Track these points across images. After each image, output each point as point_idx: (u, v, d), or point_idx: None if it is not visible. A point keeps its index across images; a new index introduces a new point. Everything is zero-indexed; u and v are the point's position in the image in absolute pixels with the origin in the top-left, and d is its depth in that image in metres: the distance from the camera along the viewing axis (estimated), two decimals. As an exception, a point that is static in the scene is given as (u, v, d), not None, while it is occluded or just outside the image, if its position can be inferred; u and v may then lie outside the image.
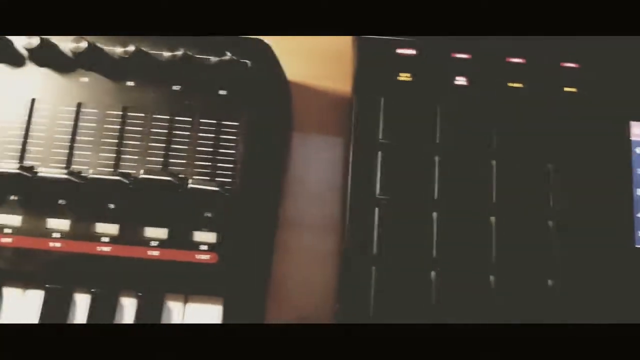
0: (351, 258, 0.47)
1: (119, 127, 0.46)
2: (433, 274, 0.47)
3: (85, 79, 0.47)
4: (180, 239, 0.45)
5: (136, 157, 0.46)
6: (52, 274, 0.45)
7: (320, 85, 0.57)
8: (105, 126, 0.46)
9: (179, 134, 0.47)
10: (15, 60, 0.47)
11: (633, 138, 0.50)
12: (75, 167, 0.45)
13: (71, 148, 0.46)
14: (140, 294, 0.45)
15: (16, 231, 0.44)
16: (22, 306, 0.44)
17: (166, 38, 0.48)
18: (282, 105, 0.53)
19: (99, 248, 0.44)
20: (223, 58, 0.47)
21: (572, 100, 0.51)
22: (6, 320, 0.44)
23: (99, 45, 0.47)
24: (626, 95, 0.51)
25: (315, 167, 0.55)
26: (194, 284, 0.45)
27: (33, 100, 0.47)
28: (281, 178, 0.54)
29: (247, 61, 0.48)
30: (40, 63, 0.47)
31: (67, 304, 0.44)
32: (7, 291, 0.45)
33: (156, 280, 0.45)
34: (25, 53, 0.47)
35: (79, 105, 0.47)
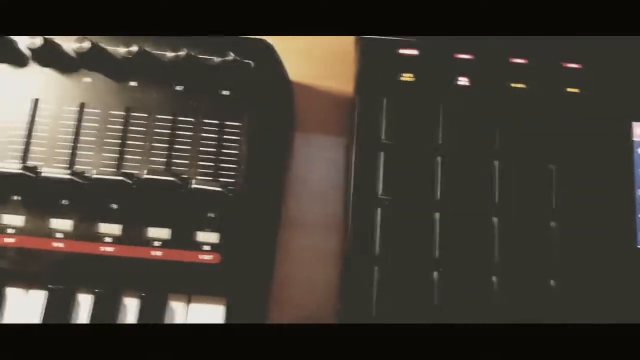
0: (353, 258, 0.47)
1: (121, 127, 0.46)
2: (435, 274, 0.47)
3: (88, 79, 0.47)
4: (183, 239, 0.45)
5: (139, 158, 0.46)
6: (55, 274, 0.45)
7: (322, 86, 0.57)
8: (108, 126, 0.46)
9: (181, 134, 0.47)
10: (18, 60, 0.47)
11: (635, 139, 0.50)
12: (78, 167, 0.45)
13: (74, 148, 0.46)
14: (143, 294, 0.45)
15: (19, 231, 0.44)
16: (25, 306, 0.45)
17: (169, 38, 0.48)
18: (284, 105, 0.53)
19: (101, 248, 0.44)
20: (226, 58, 0.47)
21: (575, 101, 0.51)
22: (9, 320, 0.44)
23: (102, 45, 0.47)
24: (628, 96, 0.51)
25: (318, 167, 0.55)
26: (196, 284, 0.45)
27: (36, 101, 0.47)
28: (283, 178, 0.54)
29: (249, 61, 0.48)
30: (43, 63, 0.47)
31: (70, 304, 0.44)
32: (10, 291, 0.45)
33: (159, 281, 0.45)
34: (28, 53, 0.47)
35: (82, 106, 0.47)
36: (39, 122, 0.46)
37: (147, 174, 0.44)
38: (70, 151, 0.46)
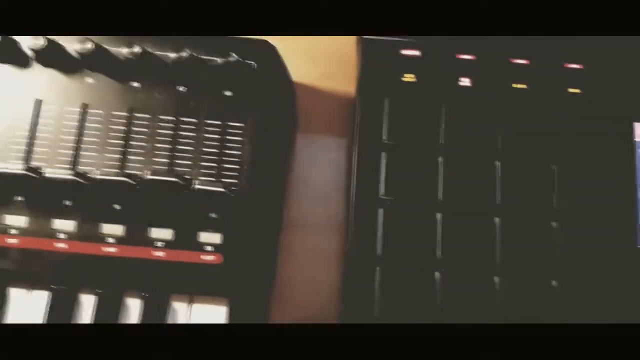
0: (355, 259, 0.47)
1: (124, 128, 0.46)
2: (437, 274, 0.47)
3: (91, 80, 0.47)
4: (185, 240, 0.45)
5: (141, 158, 0.46)
6: (58, 274, 0.45)
7: (324, 86, 0.57)
8: (111, 127, 0.46)
9: (184, 135, 0.47)
10: (21, 61, 0.47)
11: (637, 139, 0.50)
12: (81, 168, 0.45)
13: (77, 149, 0.46)
14: (145, 295, 0.45)
15: (22, 232, 0.44)
16: (28, 307, 0.45)
17: (171, 39, 0.48)
18: (287, 106, 0.53)
19: (104, 249, 0.45)
20: (228, 59, 0.47)
21: (576, 102, 0.51)
22: (12, 321, 0.44)
23: (104, 46, 0.47)
24: (630, 96, 0.51)
25: (320, 168, 0.55)
26: (199, 285, 0.45)
27: (39, 101, 0.47)
28: (285, 179, 0.54)
29: (252, 62, 0.48)
30: (46, 64, 0.47)
31: (72, 304, 0.45)
32: (13, 292, 0.45)
33: (161, 281, 0.45)
34: (31, 54, 0.47)
35: (85, 106, 0.47)
36: (41, 122, 0.46)
37: (150, 174, 0.44)
38: (73, 152, 0.46)
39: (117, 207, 0.45)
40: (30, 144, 0.46)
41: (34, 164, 0.45)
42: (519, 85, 0.51)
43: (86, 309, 0.45)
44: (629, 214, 0.48)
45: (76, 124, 0.46)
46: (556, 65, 0.52)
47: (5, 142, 0.46)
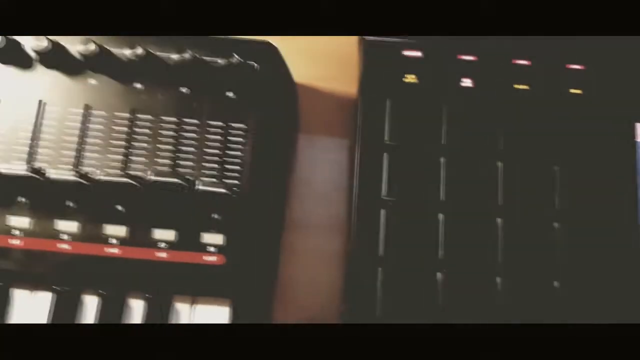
0: (357, 259, 0.47)
1: (127, 129, 0.47)
2: (439, 275, 0.47)
3: (94, 82, 0.47)
4: (188, 241, 0.45)
5: (144, 160, 0.46)
6: (61, 275, 0.45)
7: (326, 87, 0.57)
8: (114, 128, 0.47)
9: (186, 136, 0.47)
10: (24, 62, 0.47)
11: (639, 139, 0.50)
12: (83, 169, 0.45)
13: (80, 150, 0.46)
14: (148, 296, 0.45)
15: (25, 233, 0.45)
16: (31, 308, 0.45)
17: (173, 41, 0.48)
18: (288, 107, 0.53)
19: (107, 250, 0.45)
20: (231, 60, 0.47)
21: (578, 102, 0.51)
22: (15, 322, 0.44)
23: (107, 47, 0.47)
24: (632, 96, 0.51)
25: (322, 169, 0.55)
26: (201, 286, 0.45)
27: (42, 103, 0.47)
28: (287, 179, 0.54)
29: (254, 63, 0.48)
30: (49, 65, 0.47)
31: (75, 305, 0.45)
32: (16, 293, 0.45)
33: (164, 282, 0.45)
34: (34, 55, 0.47)
35: (88, 108, 0.47)
36: (44, 124, 0.46)
37: (152, 175, 0.44)
38: (76, 153, 0.46)
39: (119, 208, 0.45)
40: (33, 145, 0.46)
41: (37, 165, 0.45)
42: (521, 86, 0.51)
43: (89, 310, 0.45)
44: (631, 215, 0.48)
45: (79, 125, 0.46)
46: (558, 65, 0.52)
47: (9, 143, 0.46)
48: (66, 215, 0.45)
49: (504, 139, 0.50)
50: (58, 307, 0.44)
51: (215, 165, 0.46)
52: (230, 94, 0.48)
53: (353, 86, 0.54)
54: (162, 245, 0.45)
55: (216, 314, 0.45)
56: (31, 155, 0.46)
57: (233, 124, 0.47)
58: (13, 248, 0.44)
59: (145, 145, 0.46)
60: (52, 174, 0.43)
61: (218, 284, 0.45)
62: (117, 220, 0.45)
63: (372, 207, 0.48)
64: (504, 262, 0.47)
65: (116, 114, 0.47)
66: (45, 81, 0.47)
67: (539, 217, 0.48)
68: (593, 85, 0.51)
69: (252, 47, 0.49)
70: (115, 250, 0.45)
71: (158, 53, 0.48)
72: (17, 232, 0.45)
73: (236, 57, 0.47)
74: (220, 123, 0.47)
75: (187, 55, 0.47)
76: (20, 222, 0.45)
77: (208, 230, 0.45)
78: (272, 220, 0.49)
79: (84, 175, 0.44)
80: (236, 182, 0.46)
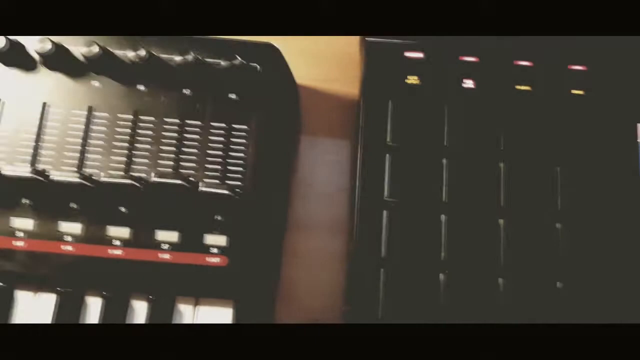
0: (359, 260, 0.47)
1: (130, 131, 0.47)
2: (442, 276, 0.47)
3: (97, 84, 0.48)
4: (191, 242, 0.45)
5: (147, 161, 0.46)
6: (64, 277, 0.45)
7: (328, 89, 0.57)
8: (117, 130, 0.47)
9: (189, 137, 0.47)
10: (28, 64, 0.47)
11: (640, 140, 0.50)
12: (87, 170, 0.46)
13: (83, 152, 0.46)
14: (151, 297, 0.45)
15: (29, 235, 0.45)
16: (35, 309, 0.45)
17: (176, 42, 0.48)
18: (291, 108, 0.53)
19: (110, 251, 0.45)
20: (233, 62, 0.47)
21: (580, 103, 0.51)
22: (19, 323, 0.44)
23: (110, 49, 0.47)
24: (634, 97, 0.51)
25: (324, 170, 0.55)
26: (204, 287, 0.45)
27: (45, 105, 0.47)
28: (290, 181, 0.54)
29: (256, 65, 0.48)
30: (53, 67, 0.48)
31: (79, 307, 0.45)
32: (20, 294, 0.45)
33: (167, 283, 0.45)
34: (37, 57, 0.47)
35: (91, 109, 0.47)
36: (48, 126, 0.47)
37: (155, 177, 0.44)
38: (79, 155, 0.46)
39: (123, 209, 0.45)
40: (36, 147, 0.46)
41: (40, 167, 0.45)
42: (522, 87, 0.51)
43: (92, 312, 0.45)
44: (633, 215, 0.48)
45: (82, 127, 0.47)
46: (559, 66, 0.52)
47: (12, 145, 0.46)
48: (69, 216, 0.45)
49: (505, 140, 0.50)
50: (62, 309, 0.45)
51: (218, 167, 0.47)
52: (232, 96, 0.48)
53: (355, 87, 0.54)
54: (165, 246, 0.45)
55: (219, 315, 0.45)
56: (35, 157, 0.46)
57: (235, 126, 0.47)
58: (17, 250, 0.44)
59: (148, 146, 0.47)
60: (56, 175, 0.44)
61: (221, 285, 0.45)
62: (120, 221, 0.45)
63: (374, 208, 0.48)
64: (506, 263, 0.47)
65: (119, 115, 0.47)
66: (48, 83, 0.47)
67: (541, 218, 0.48)
68: (595, 86, 0.51)
69: (255, 49, 0.49)
70: (118, 252, 0.45)
71: (161, 55, 0.48)
72: (20, 234, 0.45)
73: (238, 59, 0.47)
74: (222, 124, 0.47)
75: (189, 57, 0.47)
76: (23, 223, 0.45)
77: (211, 231, 0.45)
78: (275, 221, 0.50)
79: (87, 177, 0.44)
80: (239, 183, 0.46)
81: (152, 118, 0.47)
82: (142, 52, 0.47)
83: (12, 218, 0.45)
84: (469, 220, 0.48)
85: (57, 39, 0.47)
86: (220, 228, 0.45)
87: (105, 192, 0.45)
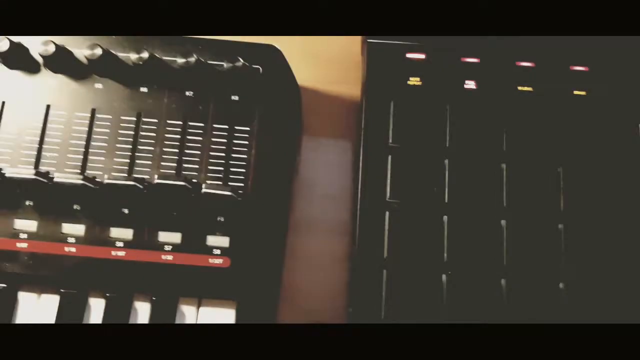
0: (362, 261, 0.47)
1: (132, 132, 0.47)
2: (444, 277, 0.47)
3: (100, 86, 0.48)
4: (193, 243, 0.45)
5: (150, 163, 0.46)
6: (67, 278, 0.45)
7: (330, 90, 0.57)
8: (119, 132, 0.47)
9: (192, 139, 0.47)
10: (30, 66, 0.48)
11: (643, 141, 0.50)
12: (90, 172, 0.46)
13: (86, 154, 0.46)
14: (154, 298, 0.45)
15: (32, 236, 0.45)
16: (38, 310, 0.45)
17: (179, 44, 0.48)
18: (293, 109, 0.53)
19: (113, 253, 0.45)
20: (235, 64, 0.47)
21: (582, 104, 0.51)
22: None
23: (113, 51, 0.48)
24: (636, 97, 0.51)
25: (326, 171, 0.55)
26: (207, 288, 0.45)
27: (48, 107, 0.47)
28: (292, 182, 0.54)
29: (258, 67, 0.48)
30: (55, 70, 0.48)
31: (82, 308, 0.45)
32: (23, 295, 0.45)
33: (170, 284, 0.45)
34: (40, 60, 0.48)
35: (93, 111, 0.47)
36: (51, 128, 0.47)
37: (158, 178, 0.44)
38: (82, 156, 0.46)
39: (125, 211, 0.46)
40: (39, 149, 0.46)
41: (43, 168, 0.45)
42: (524, 88, 0.51)
43: (95, 313, 0.45)
44: (635, 215, 0.48)
45: (85, 128, 0.47)
46: (561, 67, 0.52)
47: (16, 147, 0.46)
48: (72, 218, 0.45)
49: (507, 140, 0.50)
50: (65, 310, 0.45)
51: (220, 168, 0.47)
52: (235, 97, 0.48)
53: (357, 89, 0.54)
54: (168, 247, 0.45)
55: (221, 316, 0.45)
56: (38, 159, 0.46)
57: (238, 127, 0.47)
58: (20, 251, 0.45)
59: (150, 148, 0.47)
60: (59, 177, 0.44)
61: (223, 286, 0.45)
62: (123, 223, 0.45)
63: (377, 209, 0.48)
64: (509, 263, 0.47)
65: (122, 117, 0.47)
66: (51, 85, 0.48)
67: (544, 218, 0.48)
68: (597, 87, 0.51)
69: (257, 51, 0.49)
70: (121, 253, 0.45)
71: (163, 57, 0.48)
72: (24, 236, 0.45)
73: (241, 61, 0.47)
74: (225, 126, 0.47)
75: (192, 59, 0.47)
76: (27, 225, 0.45)
77: (213, 232, 0.46)
78: (277, 222, 0.49)
79: (90, 179, 0.44)
80: (241, 184, 0.46)
81: (154, 120, 0.47)
82: (145, 54, 0.47)
83: (15, 220, 0.45)
84: (471, 221, 0.48)
85: (60, 41, 0.47)
86: (223, 229, 0.46)
87: (108, 194, 0.45)
